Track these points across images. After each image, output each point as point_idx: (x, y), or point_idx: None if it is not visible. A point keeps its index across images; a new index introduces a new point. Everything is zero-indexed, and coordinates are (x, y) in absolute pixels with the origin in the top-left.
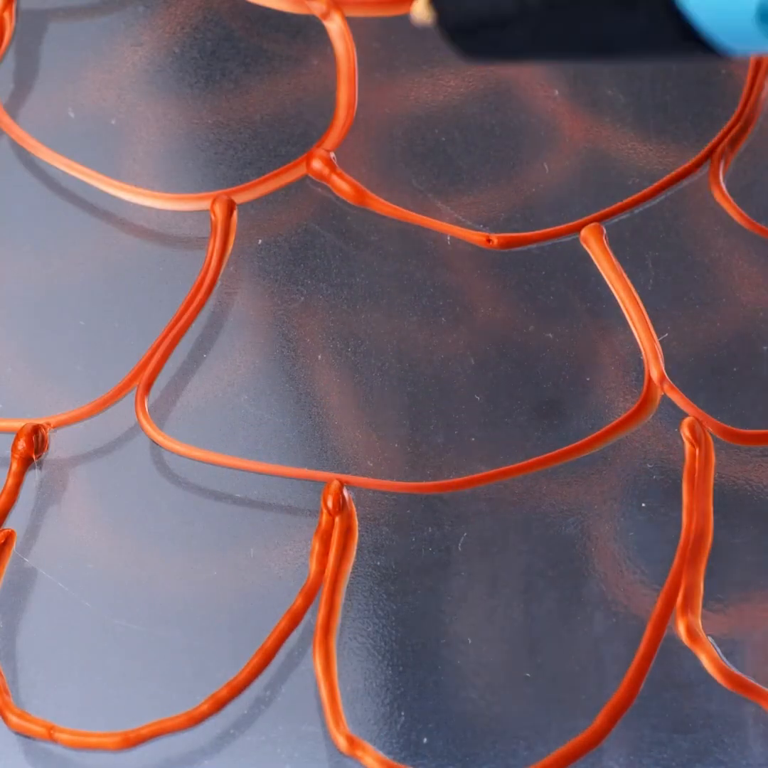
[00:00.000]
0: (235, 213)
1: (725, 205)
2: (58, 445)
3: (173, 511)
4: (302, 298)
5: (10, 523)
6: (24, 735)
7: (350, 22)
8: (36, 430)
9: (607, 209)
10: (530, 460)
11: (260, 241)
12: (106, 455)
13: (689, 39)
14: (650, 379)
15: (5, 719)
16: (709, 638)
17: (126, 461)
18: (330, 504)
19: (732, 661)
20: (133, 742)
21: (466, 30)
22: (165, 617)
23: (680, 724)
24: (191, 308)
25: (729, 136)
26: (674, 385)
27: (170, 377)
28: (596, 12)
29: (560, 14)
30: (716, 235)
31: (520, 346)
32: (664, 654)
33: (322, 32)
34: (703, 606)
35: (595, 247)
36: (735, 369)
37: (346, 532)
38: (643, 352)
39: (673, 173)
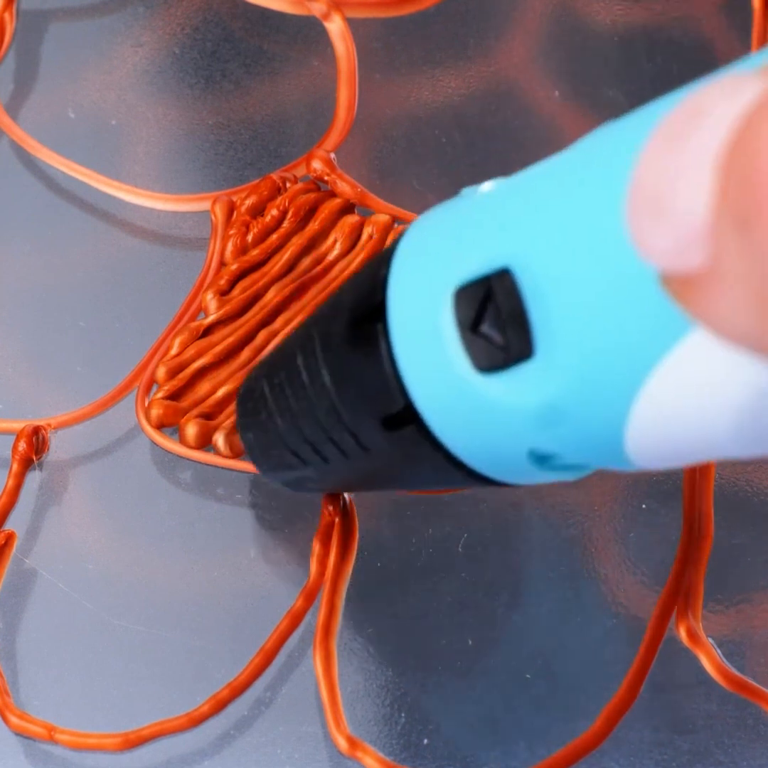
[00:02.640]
0: (235, 214)
1: None
2: (58, 446)
3: (174, 512)
4: None
5: (10, 524)
6: (24, 736)
7: (350, 23)
8: (36, 431)
9: None
10: None
11: None
12: (107, 456)
13: (479, 480)
14: None
15: (5, 720)
16: (710, 639)
17: (127, 462)
18: (330, 505)
19: (732, 662)
20: (133, 743)
21: (280, 475)
22: (165, 618)
23: (681, 725)
24: (192, 309)
25: None
26: None
27: None
28: (389, 467)
29: (358, 466)
30: None
31: None
32: (665, 655)
33: (323, 33)
34: (704, 607)
35: None
36: None
37: (347, 534)
38: None
39: None
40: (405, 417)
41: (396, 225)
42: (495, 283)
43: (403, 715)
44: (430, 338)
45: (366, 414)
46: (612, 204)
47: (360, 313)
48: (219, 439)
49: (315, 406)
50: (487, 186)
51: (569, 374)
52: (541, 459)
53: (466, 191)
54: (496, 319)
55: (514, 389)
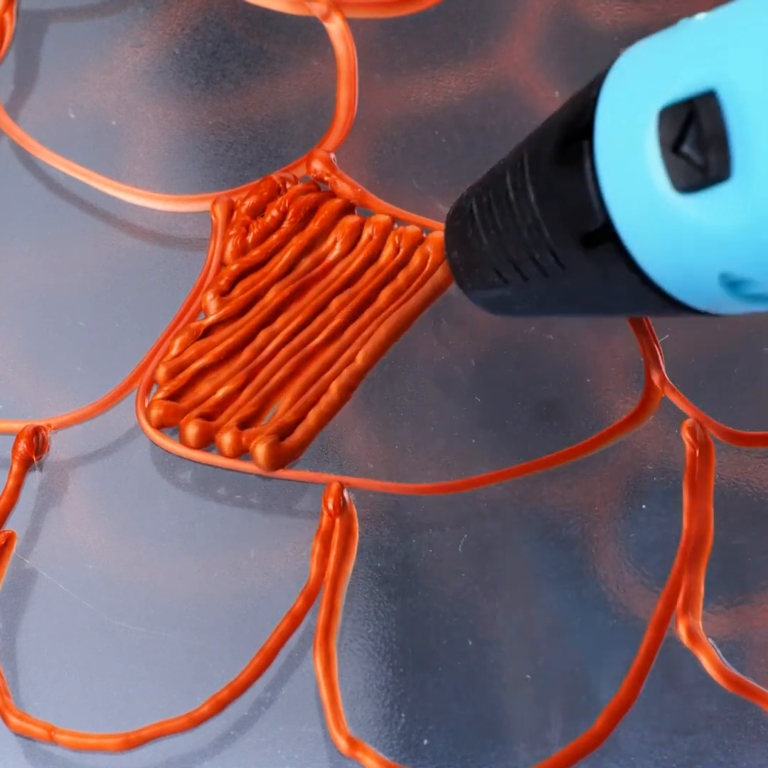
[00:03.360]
0: (235, 214)
1: None
2: (58, 447)
3: (174, 513)
4: None
5: (10, 525)
6: (24, 736)
7: (350, 23)
8: (36, 431)
9: None
10: (531, 462)
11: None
12: (107, 456)
13: (672, 304)
14: (651, 381)
15: (5, 720)
16: (710, 640)
17: (127, 463)
18: (331, 505)
19: (732, 662)
20: (133, 743)
21: (480, 294)
22: (165, 618)
23: (681, 726)
24: (192, 309)
25: None
26: (675, 387)
27: None
28: (586, 287)
29: (556, 286)
30: None
31: (521, 347)
32: (665, 656)
33: (323, 33)
34: (704, 607)
35: None
36: (735, 370)
37: (347, 534)
38: (643, 354)
39: None
40: (603, 235)
41: (396, 225)
42: (699, 105)
43: (403, 715)
44: (632, 157)
45: (566, 231)
46: None
47: (569, 132)
48: (225, 438)
49: (519, 223)
50: (700, 16)
51: (765, 198)
52: (733, 284)
53: (683, 21)
54: (697, 139)
55: (709, 210)
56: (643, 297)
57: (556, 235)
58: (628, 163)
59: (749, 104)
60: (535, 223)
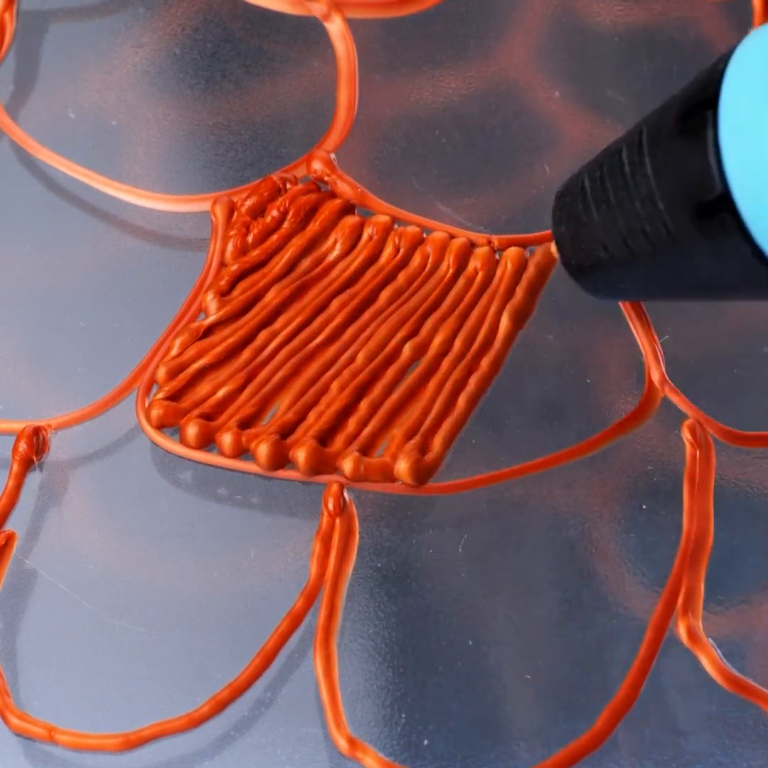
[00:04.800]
0: (235, 214)
1: None
2: (58, 447)
3: (174, 513)
4: None
5: (10, 525)
6: (24, 736)
7: (350, 23)
8: (37, 431)
9: None
10: (531, 462)
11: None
12: (107, 457)
13: None
14: (651, 381)
15: (6, 720)
16: (710, 640)
17: (127, 463)
18: (331, 505)
19: (733, 662)
20: (133, 743)
21: (585, 271)
22: (165, 618)
23: (681, 726)
24: (192, 309)
25: None
26: (675, 387)
27: None
28: (693, 263)
29: (663, 261)
30: None
31: (521, 347)
32: (665, 656)
33: (323, 33)
34: (704, 608)
35: None
36: (735, 370)
37: (347, 534)
38: (643, 354)
39: None
40: (720, 205)
41: (396, 226)
42: None
43: (403, 715)
44: (757, 128)
45: (682, 201)
46: None
47: (692, 103)
48: (225, 438)
49: (633, 195)
50: None
51: None
52: None
53: None
54: None
55: None
56: (754, 272)
57: (670, 205)
58: (753, 134)
59: None
60: (650, 194)
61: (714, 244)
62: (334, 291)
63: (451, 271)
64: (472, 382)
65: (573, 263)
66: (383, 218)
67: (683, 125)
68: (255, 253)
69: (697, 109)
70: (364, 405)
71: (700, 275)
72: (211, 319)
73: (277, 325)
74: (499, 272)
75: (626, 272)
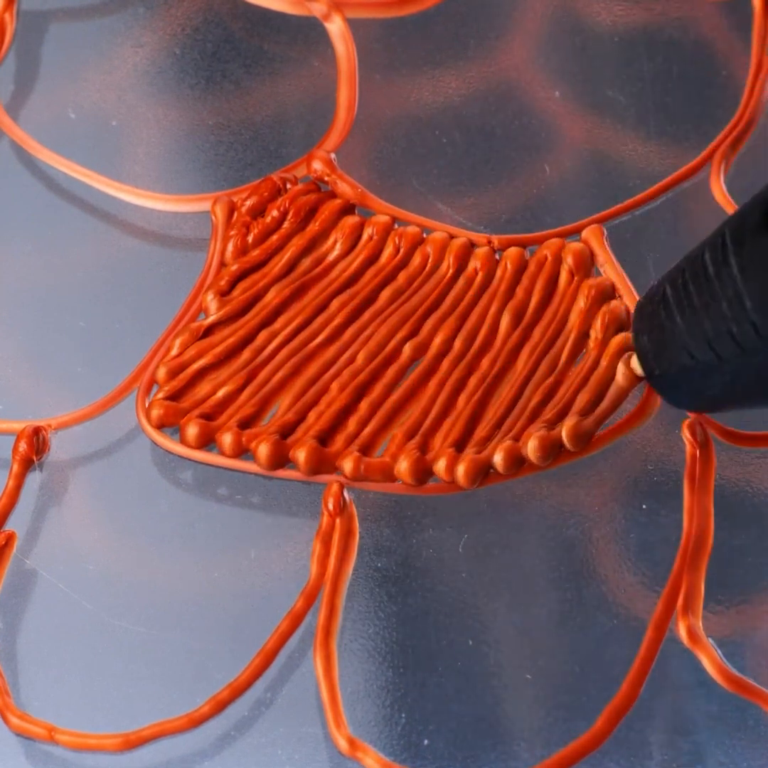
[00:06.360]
0: (235, 214)
1: (726, 207)
2: (58, 447)
3: (174, 513)
4: None
5: (10, 525)
6: (24, 736)
7: (351, 23)
8: (37, 431)
9: (608, 210)
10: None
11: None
12: (107, 457)
13: None
14: None
15: (6, 720)
16: (710, 640)
17: (127, 463)
18: (331, 506)
19: (733, 662)
20: (133, 743)
21: (670, 382)
22: (165, 618)
23: (681, 726)
24: (192, 309)
25: (730, 138)
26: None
27: None
28: None
29: (752, 363)
30: None
31: None
32: (665, 656)
33: (323, 34)
34: (704, 607)
35: (596, 248)
36: None
37: (347, 534)
38: None
39: (674, 175)
40: None
41: (396, 226)
42: None
43: (403, 715)
44: None
45: None
46: None
47: None
48: (225, 438)
49: (718, 297)
50: None
51: None
52: None
53: None
54: None
55: None
56: None
57: (758, 303)
58: None
59: None
60: (736, 294)
61: None
62: (334, 291)
63: (451, 271)
64: (472, 382)
65: (657, 374)
66: (383, 218)
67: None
68: (255, 253)
69: None
70: (364, 405)
71: None
72: (211, 319)
73: (277, 325)
74: (499, 272)
75: (713, 379)
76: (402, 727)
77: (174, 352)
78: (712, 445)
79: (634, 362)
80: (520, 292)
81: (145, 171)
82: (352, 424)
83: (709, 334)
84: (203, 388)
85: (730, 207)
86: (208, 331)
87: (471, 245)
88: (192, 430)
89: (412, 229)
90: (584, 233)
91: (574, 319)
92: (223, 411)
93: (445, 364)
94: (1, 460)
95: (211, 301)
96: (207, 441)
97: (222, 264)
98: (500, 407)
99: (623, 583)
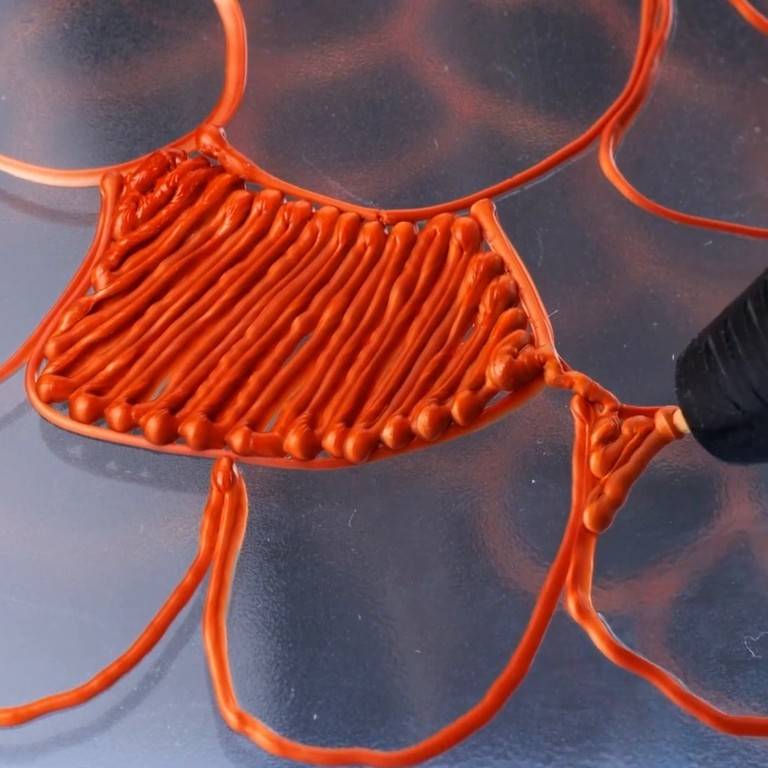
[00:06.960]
0: (124, 189)
1: (615, 182)
2: None
3: (63, 488)
4: None
5: None
6: None
7: None
8: None
9: (497, 185)
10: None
11: None
12: None
13: None
14: None
15: None
16: (599, 615)
17: (16, 438)
18: (220, 480)
19: (622, 637)
20: (23, 718)
21: (716, 435)
22: (55, 594)
23: (570, 700)
24: (81, 284)
25: (619, 113)
26: (564, 361)
27: None
28: None
29: None
30: (606, 211)
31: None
32: (554, 630)
33: (212, 8)
34: (593, 582)
35: (485, 222)
36: (625, 345)
37: (236, 509)
38: (533, 329)
39: (563, 149)
40: None
41: (285, 201)
42: None
43: (292, 690)
44: None
45: None
46: None
47: None
48: (114, 413)
49: (763, 345)
50: None
51: None
52: None
53: None
54: None
55: None
56: None
57: None
58: None
59: None
60: None
61: None
62: (223, 266)
63: (340, 245)
64: (362, 356)
65: (703, 428)
66: (272, 193)
67: None
68: (144, 228)
69: None
70: (253, 380)
71: None
72: (101, 293)
73: (166, 299)
74: (388, 247)
75: (760, 429)
76: (291, 701)
77: (63, 326)
78: (602, 418)
79: (678, 417)
80: (409, 267)
81: (35, 146)
82: (241, 398)
83: (754, 384)
84: (92, 363)
85: (618, 181)
86: (98, 305)
87: (360, 220)
88: (81, 405)
89: (301, 204)
90: (473, 208)
91: (463, 293)
92: (112, 386)
93: (335, 338)
94: None
95: (100, 275)
96: (96, 416)
97: (111, 239)
98: (390, 382)
99: (512, 557)
